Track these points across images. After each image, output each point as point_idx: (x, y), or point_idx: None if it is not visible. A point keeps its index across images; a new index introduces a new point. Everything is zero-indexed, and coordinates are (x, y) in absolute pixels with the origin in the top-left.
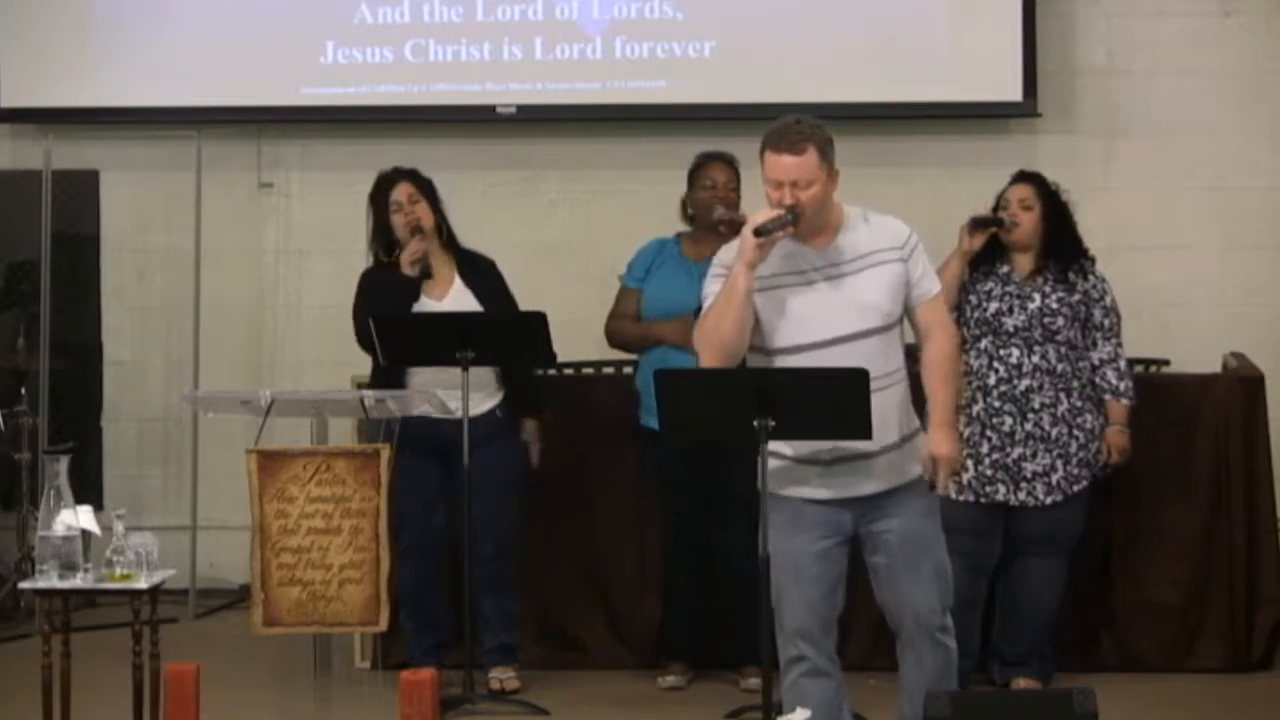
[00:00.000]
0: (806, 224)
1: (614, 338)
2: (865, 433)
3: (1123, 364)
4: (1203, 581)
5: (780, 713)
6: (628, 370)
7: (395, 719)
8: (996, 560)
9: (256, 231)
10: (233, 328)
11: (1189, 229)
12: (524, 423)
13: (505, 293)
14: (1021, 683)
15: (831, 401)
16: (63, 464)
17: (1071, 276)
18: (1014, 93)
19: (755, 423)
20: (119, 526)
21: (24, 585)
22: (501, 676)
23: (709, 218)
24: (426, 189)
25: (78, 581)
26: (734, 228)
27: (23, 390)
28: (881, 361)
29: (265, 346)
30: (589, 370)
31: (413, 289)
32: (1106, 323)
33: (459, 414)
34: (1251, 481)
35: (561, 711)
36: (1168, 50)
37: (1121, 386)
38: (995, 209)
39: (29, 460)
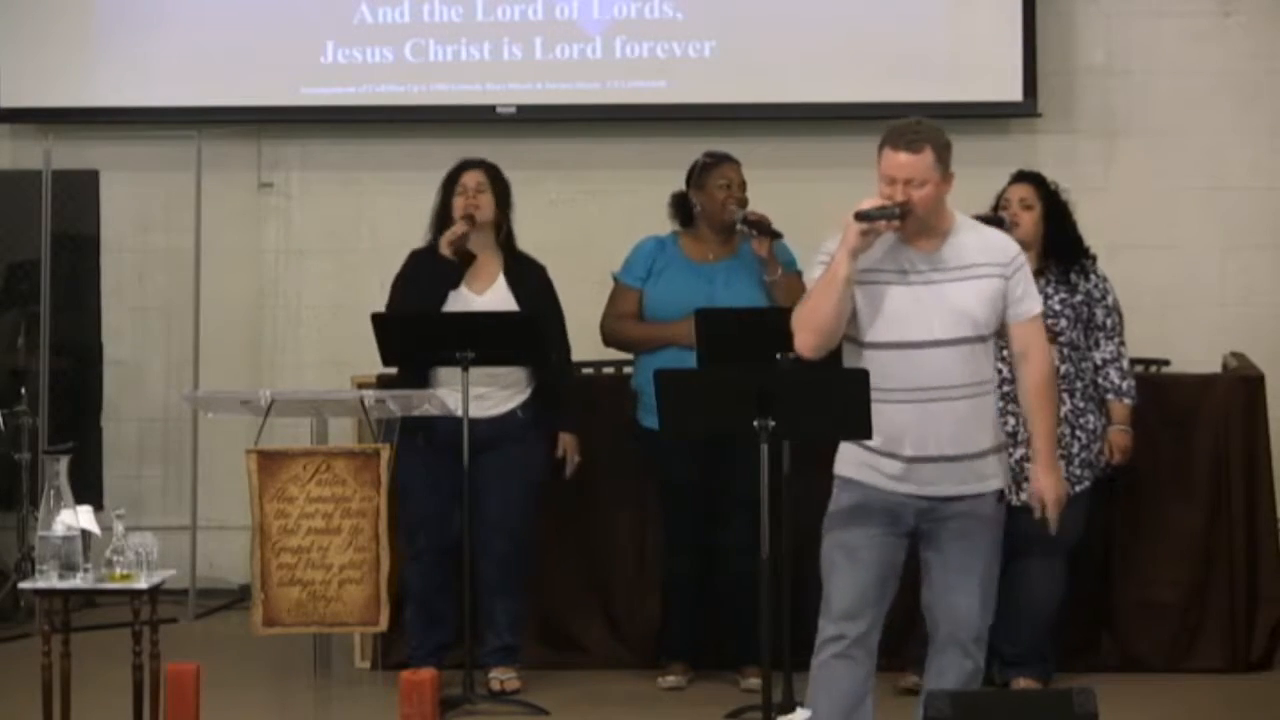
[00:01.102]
0: (915, 225)
1: (614, 338)
2: (865, 433)
3: (1125, 363)
4: (1203, 581)
5: (786, 710)
6: (628, 370)
7: (395, 719)
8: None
9: (256, 231)
10: (233, 328)
11: (1189, 229)
12: (560, 437)
13: (550, 299)
14: (1021, 683)
15: (831, 401)
16: (63, 464)
17: (1073, 277)
18: (1014, 93)
19: (755, 423)
20: (119, 526)
21: (24, 585)
22: (502, 677)
23: (725, 218)
24: (498, 184)
25: (78, 581)
26: (761, 228)
27: (23, 390)
28: (970, 370)
29: (265, 346)
30: (589, 370)
31: (450, 274)
32: (1109, 322)
33: (460, 414)
34: (1251, 481)
35: (561, 711)
36: (1168, 50)
37: (1124, 386)
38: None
39: (29, 460)
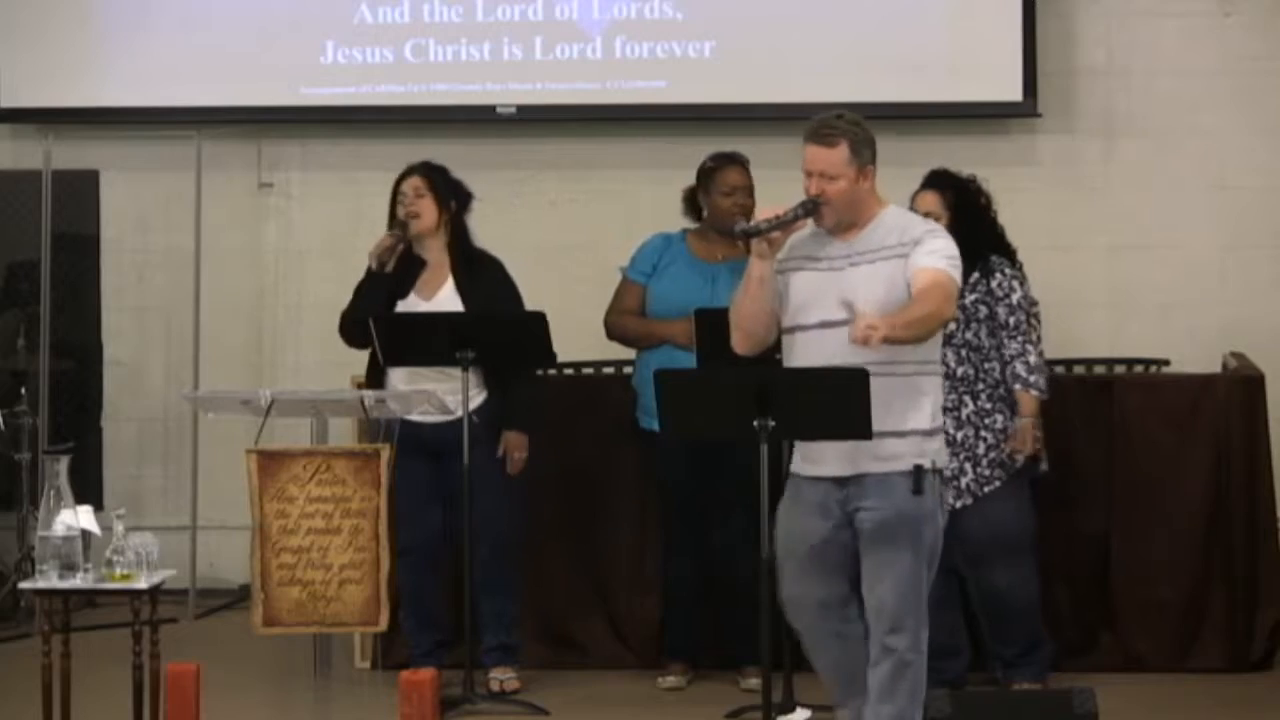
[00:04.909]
0: (834, 217)
1: (614, 331)
2: (865, 432)
3: (1032, 359)
4: (1203, 581)
5: (786, 710)
6: (628, 370)
7: (395, 719)
8: (955, 559)
9: (256, 231)
10: (233, 328)
11: (1189, 229)
12: (503, 434)
13: (507, 292)
14: (1024, 685)
15: (831, 401)
16: (63, 464)
17: (974, 278)
18: (1014, 93)
19: (755, 423)
20: (119, 526)
21: (24, 585)
22: (501, 677)
23: (726, 225)
24: (439, 185)
25: (78, 581)
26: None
27: (23, 390)
28: (871, 351)
29: (265, 346)
30: (589, 370)
31: (389, 283)
32: (1012, 320)
33: (459, 414)
34: (1251, 482)
35: (561, 711)
36: (1168, 50)
37: (1031, 379)
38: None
39: (29, 460)
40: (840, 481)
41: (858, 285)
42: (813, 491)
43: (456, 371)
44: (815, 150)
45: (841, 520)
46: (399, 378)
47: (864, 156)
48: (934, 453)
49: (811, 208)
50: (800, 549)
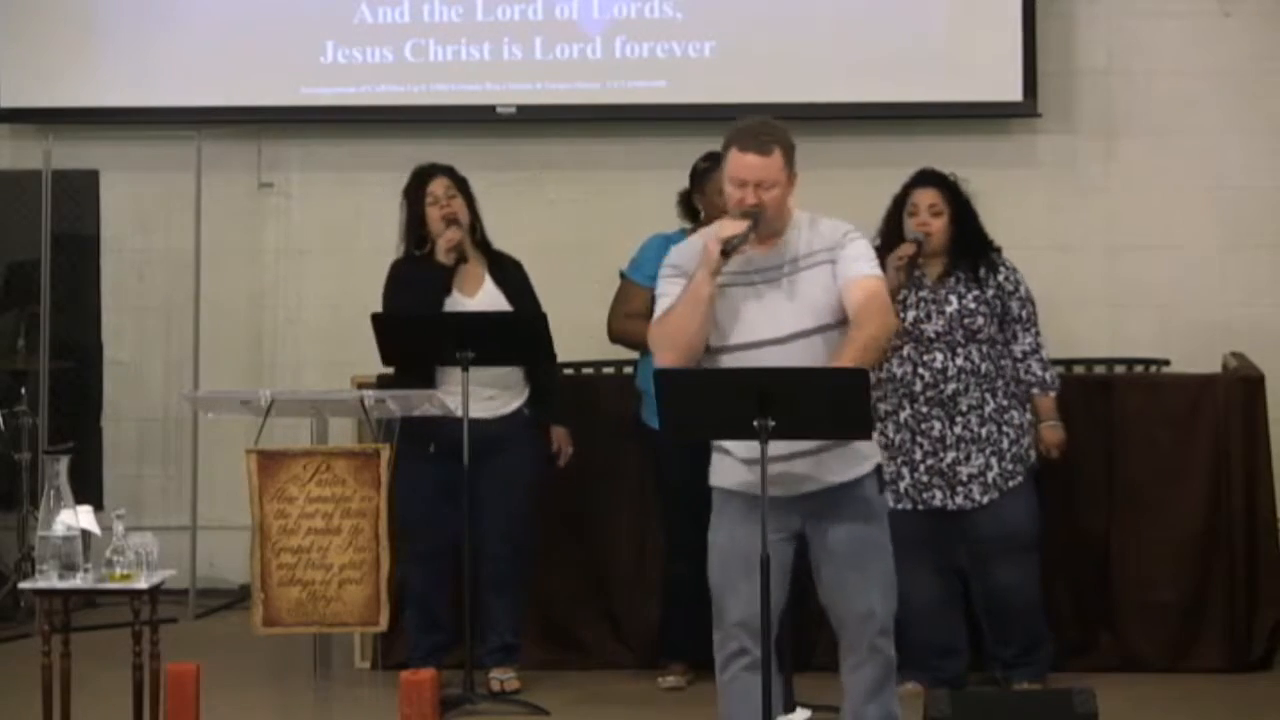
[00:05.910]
0: (767, 227)
1: (624, 338)
2: (865, 433)
3: (1044, 353)
4: (1203, 581)
5: (786, 710)
6: (628, 370)
7: (395, 719)
8: (959, 559)
9: (256, 231)
10: (233, 328)
11: (1189, 229)
12: (552, 430)
13: (531, 294)
14: (1024, 685)
15: (831, 401)
16: (63, 464)
17: (982, 273)
18: (1014, 93)
19: (755, 423)
20: (119, 526)
21: (24, 585)
22: (502, 677)
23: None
24: (462, 185)
25: (78, 581)
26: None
27: (23, 390)
28: (819, 361)
29: (265, 346)
30: (589, 370)
31: (445, 282)
32: (1024, 314)
33: (460, 414)
34: (1251, 482)
35: (561, 711)
36: (1168, 50)
37: (1047, 378)
38: (897, 210)
39: (29, 460)
40: (807, 497)
41: (799, 295)
42: (773, 508)
43: (499, 371)
44: (754, 159)
45: (799, 533)
46: (446, 379)
47: (793, 163)
48: (874, 446)
49: (757, 220)
50: (762, 563)
